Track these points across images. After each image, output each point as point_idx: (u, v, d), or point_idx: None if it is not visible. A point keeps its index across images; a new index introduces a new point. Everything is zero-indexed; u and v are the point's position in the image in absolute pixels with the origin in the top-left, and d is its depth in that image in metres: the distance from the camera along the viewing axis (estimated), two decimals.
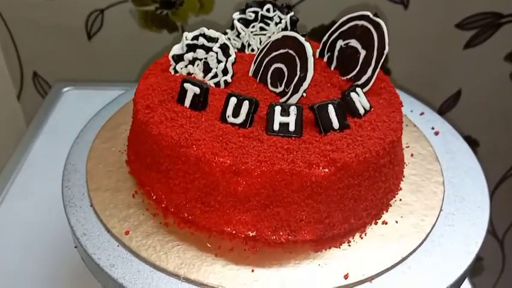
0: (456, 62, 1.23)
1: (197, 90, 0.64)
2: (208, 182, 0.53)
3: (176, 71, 0.66)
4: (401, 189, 0.63)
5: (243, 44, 0.80)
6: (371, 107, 0.61)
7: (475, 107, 1.25)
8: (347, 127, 0.57)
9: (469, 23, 1.12)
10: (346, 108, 0.58)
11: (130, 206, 0.59)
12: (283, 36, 0.68)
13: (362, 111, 0.61)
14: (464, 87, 1.25)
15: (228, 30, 0.81)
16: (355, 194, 0.56)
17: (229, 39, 0.81)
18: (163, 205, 0.58)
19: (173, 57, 0.72)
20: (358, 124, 0.60)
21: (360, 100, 0.66)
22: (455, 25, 1.13)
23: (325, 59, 0.70)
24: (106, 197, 0.61)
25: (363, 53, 0.67)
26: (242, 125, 0.62)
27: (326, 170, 0.58)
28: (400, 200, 0.62)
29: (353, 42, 0.73)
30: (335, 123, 0.58)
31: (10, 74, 1.39)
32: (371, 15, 0.72)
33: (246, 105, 0.61)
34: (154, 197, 0.59)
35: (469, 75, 1.24)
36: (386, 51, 0.70)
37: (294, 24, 0.77)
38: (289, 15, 0.76)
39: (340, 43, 0.75)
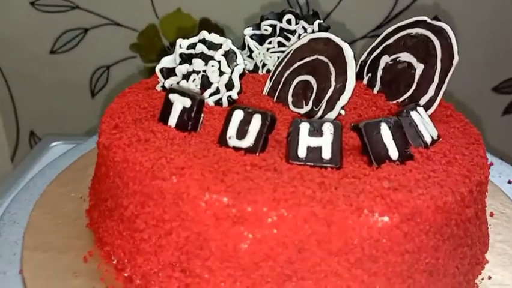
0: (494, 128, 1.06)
1: (187, 102, 0.43)
2: (193, 236, 0.35)
3: (165, 89, 0.45)
4: (487, 261, 0.38)
5: (255, 65, 0.60)
6: (439, 137, 0.38)
7: None
8: (409, 157, 0.34)
9: (507, 86, 1.01)
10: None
11: (76, 275, 0.37)
12: (311, 40, 0.48)
13: (428, 139, 0.38)
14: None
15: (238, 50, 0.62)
16: (430, 264, 0.31)
17: None
18: (126, 274, 0.34)
19: (161, 71, 0.52)
20: (425, 156, 0.37)
21: (424, 123, 0.44)
22: (492, 88, 1.01)
23: (365, 81, 0.48)
24: (44, 260, 0.39)
25: (420, 67, 0.47)
26: (251, 149, 0.39)
27: (386, 218, 0.34)
28: (489, 278, 0.37)
29: (404, 56, 0.52)
30: (393, 151, 0.36)
31: (5, 133, 1.25)
32: (429, 20, 0.52)
33: (257, 120, 0.39)
34: (114, 261, 0.35)
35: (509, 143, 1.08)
36: (455, 62, 0.49)
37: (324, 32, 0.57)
38: (317, 23, 0.57)
39: (385, 60, 0.54)
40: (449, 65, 0.50)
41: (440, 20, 0.52)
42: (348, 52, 0.45)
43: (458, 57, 0.50)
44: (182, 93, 0.44)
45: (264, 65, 0.61)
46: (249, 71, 0.61)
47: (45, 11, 0.98)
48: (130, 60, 1.08)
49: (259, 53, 0.61)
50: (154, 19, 0.95)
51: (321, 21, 0.58)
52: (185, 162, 0.38)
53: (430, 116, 0.49)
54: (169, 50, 1.00)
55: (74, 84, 1.17)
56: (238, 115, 0.41)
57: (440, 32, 0.51)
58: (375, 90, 0.56)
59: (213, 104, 0.50)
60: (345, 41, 0.47)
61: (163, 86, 0.53)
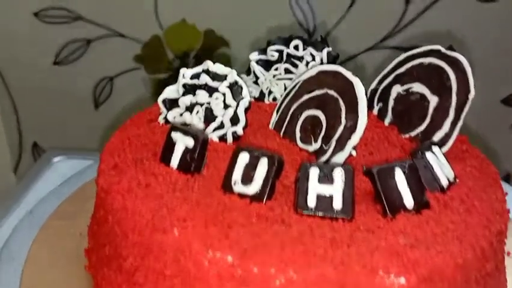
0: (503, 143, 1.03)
1: (190, 142, 0.40)
2: None
3: (167, 121, 0.43)
4: None
5: (261, 92, 0.58)
6: (455, 178, 0.35)
7: None
8: (425, 206, 0.32)
9: None
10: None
11: None
12: (320, 72, 0.46)
13: (444, 182, 0.36)
14: None
15: (243, 76, 0.59)
16: None
17: None
18: None
19: (164, 102, 0.50)
20: (442, 203, 0.34)
21: (440, 165, 0.41)
22: (501, 101, 0.96)
23: (375, 112, 0.46)
24: None
25: (434, 100, 0.44)
26: (257, 197, 0.37)
27: (402, 280, 0.31)
28: None
29: (417, 87, 0.50)
30: (408, 199, 0.33)
31: (8, 144, 1.23)
32: (444, 50, 0.49)
33: (263, 164, 0.37)
34: None
35: None
36: (471, 96, 0.46)
37: (332, 62, 0.55)
38: (325, 51, 0.54)
39: (396, 89, 0.52)
40: (465, 99, 0.47)
41: (455, 50, 0.50)
42: (359, 88, 0.43)
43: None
44: (185, 132, 0.42)
45: (270, 92, 0.58)
46: (254, 98, 0.59)
47: (48, 22, 0.96)
48: (134, 72, 1.06)
49: (265, 79, 0.59)
50: (158, 30, 0.93)
51: (330, 48, 0.55)
52: (187, 213, 0.36)
53: (445, 154, 0.46)
54: (174, 62, 0.98)
55: (77, 95, 1.15)
56: (243, 158, 0.39)
57: (455, 64, 0.49)
58: (387, 122, 0.53)
59: (217, 140, 0.47)
60: (356, 75, 0.44)
61: (166, 119, 0.51)
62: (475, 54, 0.94)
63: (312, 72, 0.48)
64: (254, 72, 0.59)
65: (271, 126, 0.51)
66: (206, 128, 0.48)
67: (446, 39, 0.90)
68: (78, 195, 0.57)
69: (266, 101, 0.58)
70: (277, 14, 0.86)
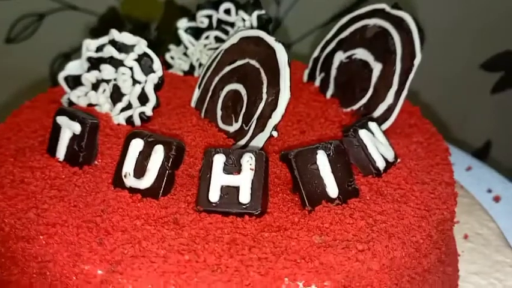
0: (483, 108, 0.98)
1: (76, 128, 0.34)
2: None
3: (71, 103, 0.36)
4: None
5: (191, 64, 0.51)
6: (396, 158, 0.29)
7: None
8: (353, 194, 0.25)
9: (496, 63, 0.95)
10: (352, 159, 0.26)
11: None
12: (241, 39, 0.39)
13: (381, 164, 0.30)
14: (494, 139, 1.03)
15: (172, 46, 0.52)
16: None
17: (172, 58, 0.52)
18: None
19: (66, 79, 0.43)
20: (375, 189, 0.28)
21: (376, 144, 0.35)
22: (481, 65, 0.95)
23: (317, 83, 0.40)
24: None
25: (377, 67, 0.40)
26: (150, 192, 0.31)
27: None
28: None
29: (360, 53, 0.44)
30: (332, 187, 0.27)
31: None
32: (388, 8, 0.42)
33: (158, 153, 0.30)
34: None
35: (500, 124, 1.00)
36: (416, 62, 0.40)
37: (264, 27, 0.48)
38: (255, 13, 0.47)
39: (339, 56, 0.46)
40: (410, 65, 0.41)
41: (400, 9, 0.43)
42: (281, 56, 0.36)
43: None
44: (72, 115, 0.35)
45: (200, 64, 0.51)
46: (184, 72, 0.52)
47: None
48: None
49: (195, 49, 0.52)
50: (114, 2, 0.87)
51: (262, 11, 0.48)
52: (59, 216, 0.29)
53: (388, 130, 0.40)
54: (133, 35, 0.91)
55: (34, 73, 1.10)
56: (136, 146, 0.32)
57: (399, 24, 0.42)
58: (328, 95, 0.47)
59: (124, 123, 0.41)
60: (279, 41, 0.37)
61: (69, 99, 0.44)
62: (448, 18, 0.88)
63: (234, 39, 0.41)
64: (183, 41, 0.52)
65: (193, 104, 0.44)
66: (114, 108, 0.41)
67: None
68: None
69: (196, 74, 0.51)
70: None
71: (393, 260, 0.29)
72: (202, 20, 0.52)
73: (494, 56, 0.94)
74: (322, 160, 0.32)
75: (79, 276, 0.27)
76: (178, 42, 0.53)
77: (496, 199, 0.54)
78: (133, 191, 0.32)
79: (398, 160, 0.38)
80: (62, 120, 0.36)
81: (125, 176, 0.32)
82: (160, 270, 0.26)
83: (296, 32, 0.89)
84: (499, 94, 0.99)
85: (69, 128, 0.35)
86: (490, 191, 0.55)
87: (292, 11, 0.87)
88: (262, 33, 0.39)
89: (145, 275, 0.26)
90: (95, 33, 0.95)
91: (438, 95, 1.00)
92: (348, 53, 0.46)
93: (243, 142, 0.38)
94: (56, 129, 0.36)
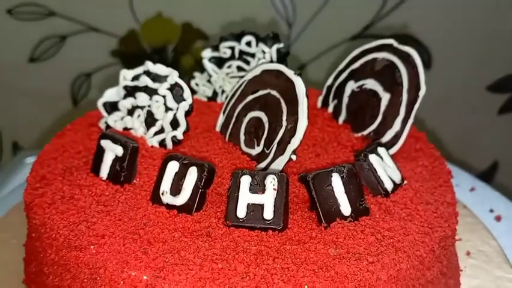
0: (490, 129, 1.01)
1: (119, 150, 0.38)
2: None
3: (108, 126, 0.41)
4: None
5: (214, 91, 0.56)
6: (403, 180, 0.33)
7: None
8: (364, 213, 0.30)
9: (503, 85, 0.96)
10: (363, 181, 0.30)
11: None
12: (263, 72, 0.43)
13: (389, 185, 0.34)
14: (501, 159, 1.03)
15: (197, 74, 0.57)
16: None
17: (197, 85, 0.57)
18: None
19: (104, 105, 0.48)
20: (384, 208, 0.32)
21: (385, 167, 0.39)
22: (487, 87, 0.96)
23: (330, 109, 0.44)
24: None
25: (386, 97, 0.43)
26: (185, 208, 0.35)
27: None
28: None
29: (370, 84, 0.48)
30: (345, 206, 0.31)
31: None
32: (396, 44, 0.47)
33: (192, 174, 0.35)
34: None
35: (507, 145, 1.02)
36: (421, 94, 0.44)
37: (282, 59, 0.53)
38: (275, 47, 0.52)
39: (351, 86, 0.50)
40: (416, 96, 0.45)
41: (408, 44, 0.48)
42: (300, 88, 0.40)
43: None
44: (114, 139, 0.40)
45: (223, 91, 0.56)
46: (208, 97, 0.57)
47: (22, 19, 0.94)
48: (112, 67, 1.04)
49: (218, 77, 0.57)
50: (134, 24, 0.91)
51: (281, 45, 0.53)
52: (107, 228, 0.34)
53: (395, 154, 0.44)
54: (152, 57, 0.96)
55: (55, 93, 1.13)
56: (172, 167, 0.37)
57: (406, 59, 0.47)
58: (341, 120, 0.51)
59: (157, 145, 0.45)
60: (298, 74, 0.42)
61: (107, 123, 0.49)
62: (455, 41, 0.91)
63: (256, 71, 0.46)
64: (207, 69, 0.57)
65: (217, 128, 0.49)
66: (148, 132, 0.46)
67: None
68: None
69: (219, 100, 0.56)
70: (256, 6, 0.84)
71: (399, 271, 0.33)
72: (225, 51, 0.57)
73: (500, 78, 0.96)
74: (336, 182, 0.36)
75: (126, 281, 0.31)
76: (202, 70, 0.58)
77: (498, 218, 0.57)
78: (169, 207, 0.36)
79: (405, 182, 0.42)
80: (105, 143, 0.40)
81: (162, 194, 0.37)
82: (197, 276, 0.30)
83: (307, 54, 0.93)
84: (507, 115, 1.00)
85: (112, 151, 0.40)
86: (492, 210, 0.58)
87: (305, 33, 0.91)
88: (282, 67, 0.43)
89: (185, 280, 0.30)
90: (116, 54, 1.00)
91: (445, 118, 1.01)
92: (359, 83, 0.51)
93: (264, 164, 0.42)
94: (100, 151, 0.40)
